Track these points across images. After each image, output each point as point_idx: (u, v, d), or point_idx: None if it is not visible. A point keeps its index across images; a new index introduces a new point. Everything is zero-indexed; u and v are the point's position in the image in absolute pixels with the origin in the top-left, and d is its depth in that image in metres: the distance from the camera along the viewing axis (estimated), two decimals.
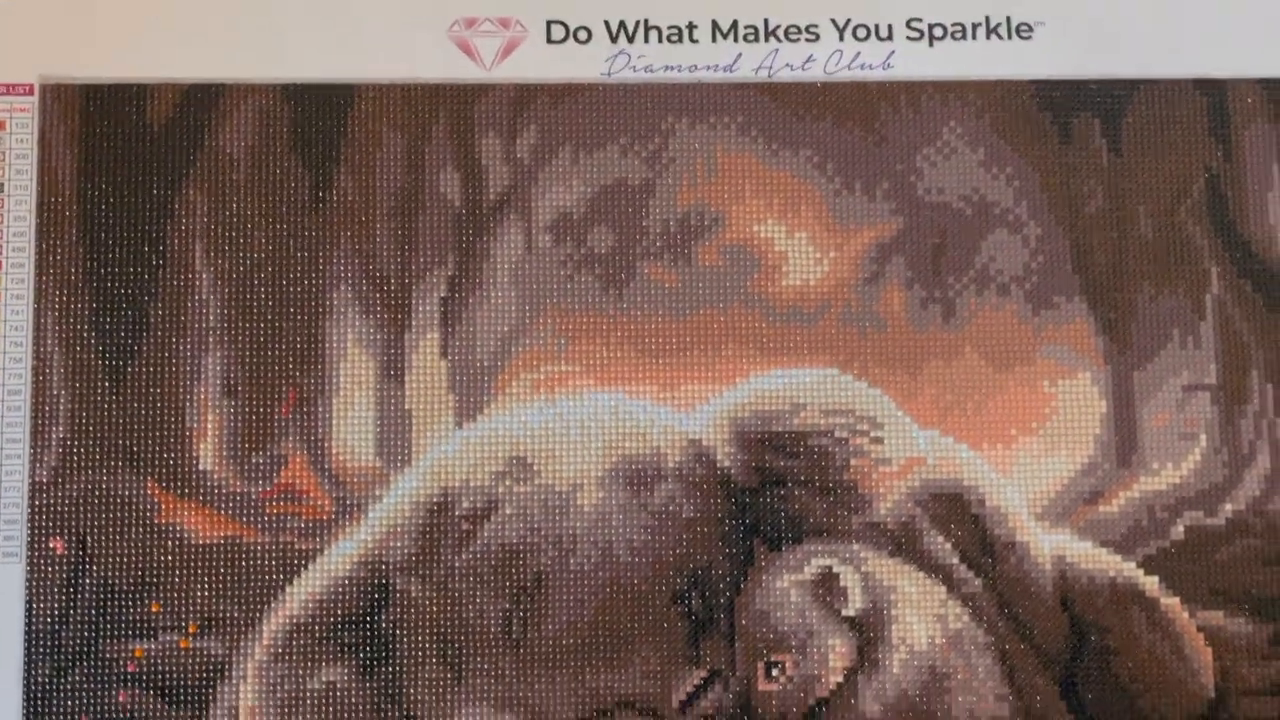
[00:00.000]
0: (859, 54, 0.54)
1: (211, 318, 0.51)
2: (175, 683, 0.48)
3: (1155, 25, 0.55)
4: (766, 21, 0.54)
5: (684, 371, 0.52)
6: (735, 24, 0.54)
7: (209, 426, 0.50)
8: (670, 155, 0.53)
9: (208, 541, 0.49)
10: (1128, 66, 0.55)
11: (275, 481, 0.50)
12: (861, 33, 0.54)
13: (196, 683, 0.48)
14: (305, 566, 0.49)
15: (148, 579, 0.49)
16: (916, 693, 0.50)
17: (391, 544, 0.50)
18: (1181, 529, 0.51)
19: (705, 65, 0.54)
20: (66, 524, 0.49)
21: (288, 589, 0.49)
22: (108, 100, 0.52)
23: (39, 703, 0.48)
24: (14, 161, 0.51)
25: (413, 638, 0.49)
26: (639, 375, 0.51)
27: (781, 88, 0.53)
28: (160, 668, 0.49)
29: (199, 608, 0.49)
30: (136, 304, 0.50)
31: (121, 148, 0.51)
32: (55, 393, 0.50)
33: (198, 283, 0.51)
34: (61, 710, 0.48)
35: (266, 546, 0.49)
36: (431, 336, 0.51)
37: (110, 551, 0.49)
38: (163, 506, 0.49)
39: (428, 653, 0.49)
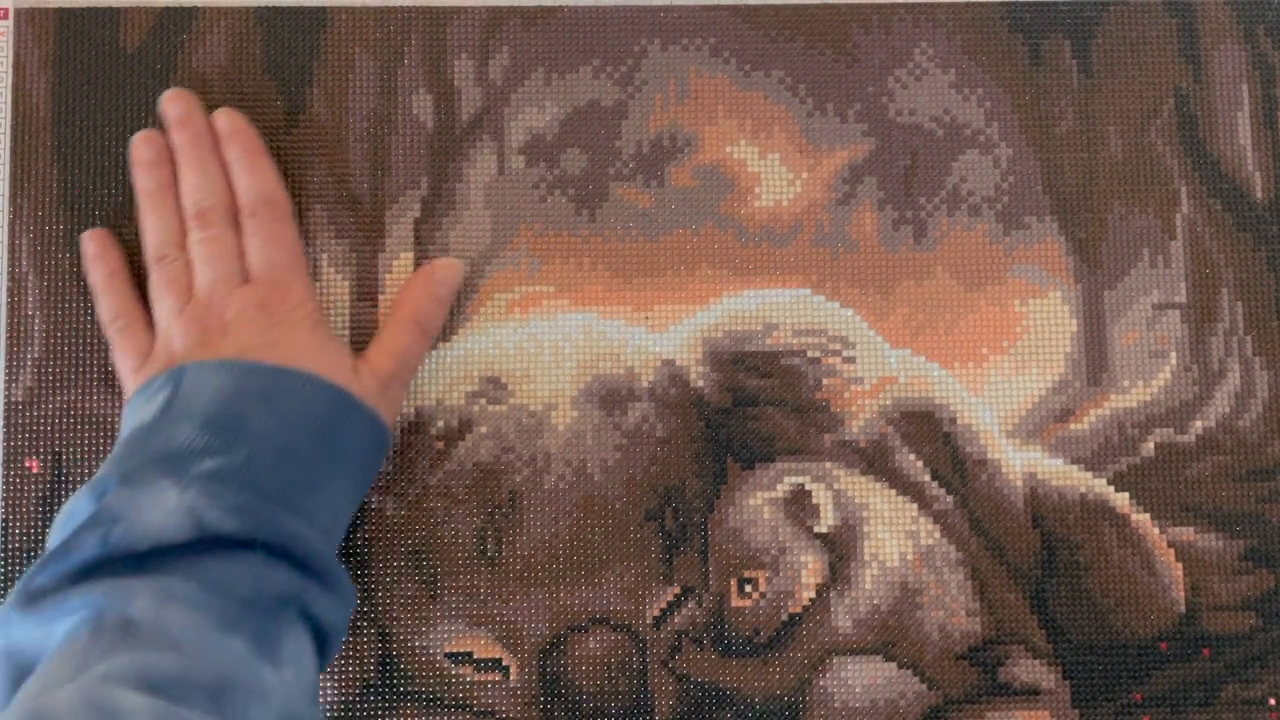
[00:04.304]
0: None
1: None
2: None
3: None
4: None
5: (657, 292, 0.52)
6: None
7: None
8: (643, 77, 0.53)
9: None
10: None
11: None
12: None
13: None
14: None
15: None
16: (888, 608, 0.50)
17: None
18: (1152, 446, 0.52)
19: None
20: (42, 443, 0.49)
21: None
22: (82, 24, 0.52)
23: None
24: None
25: (388, 556, 0.49)
26: (612, 296, 0.52)
27: (753, 9, 0.53)
28: None
29: None
30: (111, 226, 0.50)
31: (96, 71, 0.51)
32: (30, 313, 0.50)
33: None
34: None
35: None
36: (405, 258, 0.51)
37: (85, 471, 0.49)
38: None
39: (403, 570, 0.49)
